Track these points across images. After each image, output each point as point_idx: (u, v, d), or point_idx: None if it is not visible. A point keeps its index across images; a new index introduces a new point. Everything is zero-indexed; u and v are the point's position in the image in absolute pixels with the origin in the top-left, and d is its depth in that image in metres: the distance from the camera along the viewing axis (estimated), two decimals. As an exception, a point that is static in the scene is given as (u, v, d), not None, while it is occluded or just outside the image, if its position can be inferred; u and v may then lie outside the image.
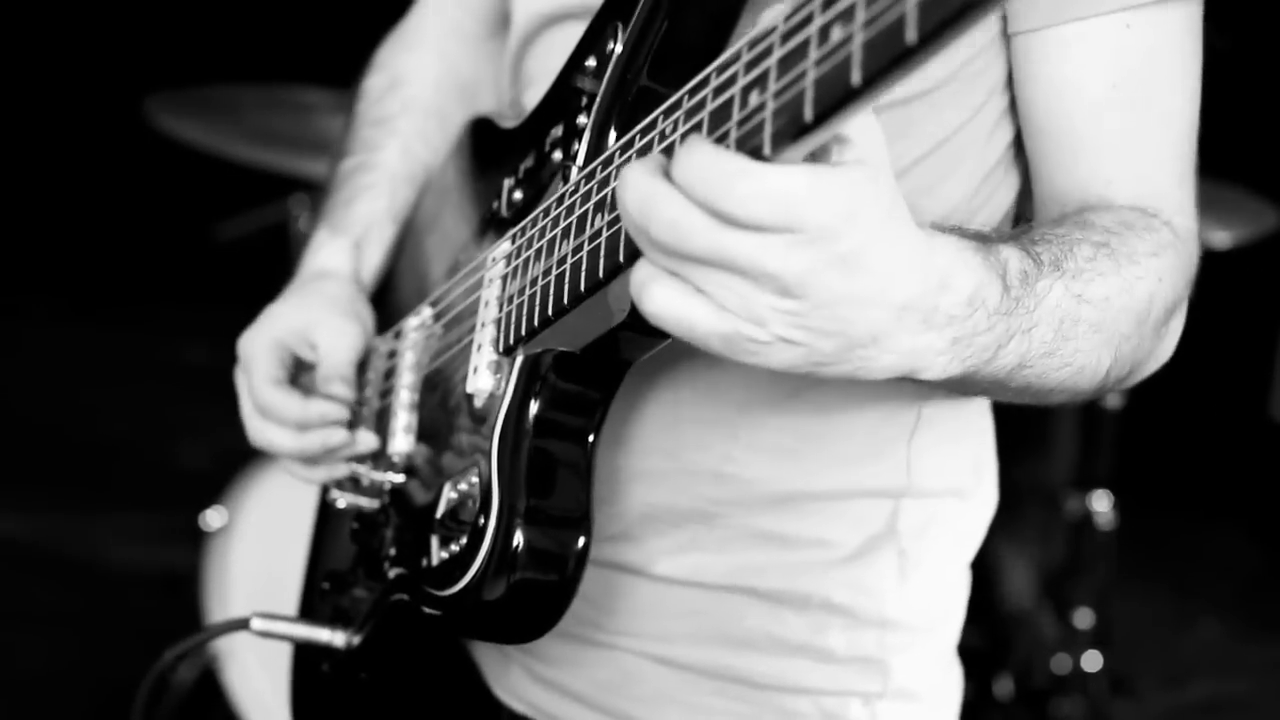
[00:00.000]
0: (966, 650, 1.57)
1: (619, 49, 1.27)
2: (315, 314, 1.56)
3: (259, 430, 1.55)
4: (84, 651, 3.69)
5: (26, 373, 5.16)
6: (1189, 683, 3.98)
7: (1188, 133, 1.31)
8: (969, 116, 1.35)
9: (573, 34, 1.37)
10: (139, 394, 5.07)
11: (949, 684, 1.54)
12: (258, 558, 3.04)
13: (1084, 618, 3.49)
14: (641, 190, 0.96)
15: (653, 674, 1.46)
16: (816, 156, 0.95)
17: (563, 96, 1.35)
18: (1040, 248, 1.13)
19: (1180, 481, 4.73)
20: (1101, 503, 3.50)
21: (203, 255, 4.76)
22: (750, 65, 0.95)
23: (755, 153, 0.93)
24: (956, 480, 1.49)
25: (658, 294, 0.97)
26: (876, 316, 0.98)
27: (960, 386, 1.13)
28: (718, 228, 0.93)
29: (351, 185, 1.68)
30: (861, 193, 0.94)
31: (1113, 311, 1.16)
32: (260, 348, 1.54)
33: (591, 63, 1.30)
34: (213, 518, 3.17)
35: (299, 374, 1.58)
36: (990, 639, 3.51)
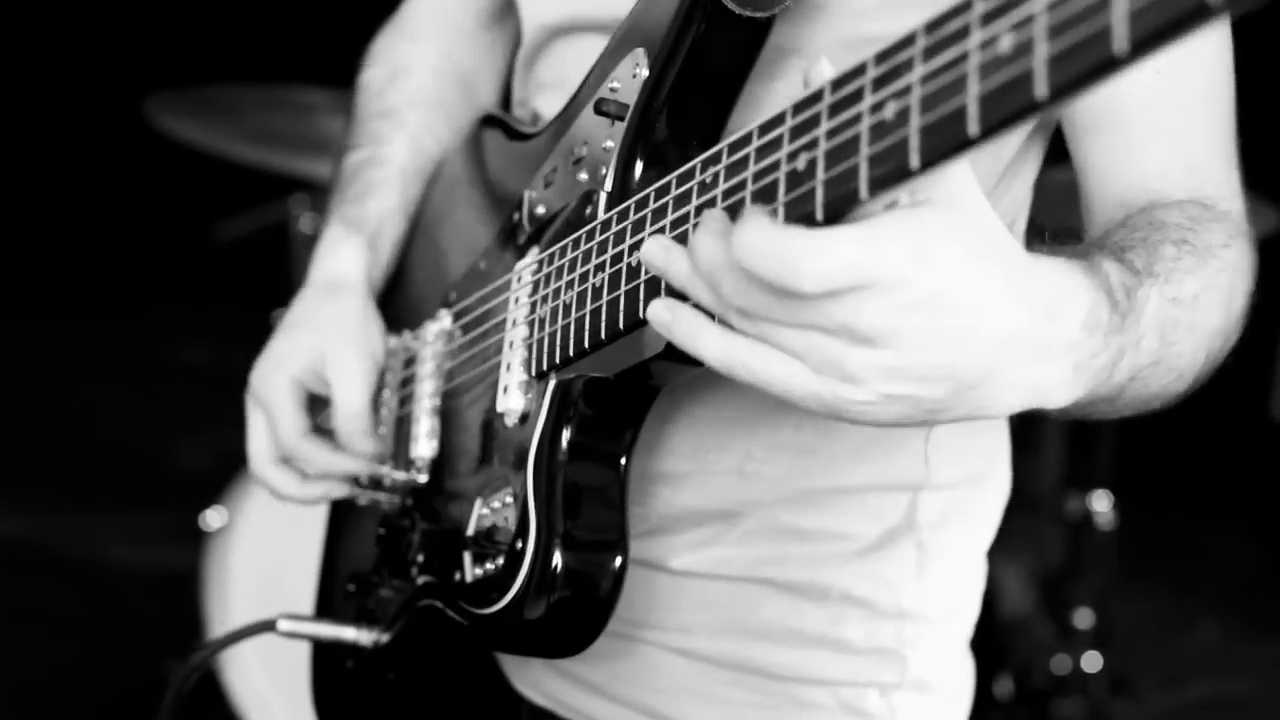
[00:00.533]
0: (966, 650, 1.57)
1: (645, 73, 1.26)
2: (326, 345, 1.53)
3: (268, 474, 1.55)
4: (84, 651, 3.69)
5: (26, 373, 5.16)
6: (1189, 683, 3.98)
7: (1229, 116, 1.30)
8: None
9: (586, 44, 1.37)
10: (139, 394, 5.07)
11: (962, 675, 1.55)
12: (258, 558, 3.04)
13: (1084, 618, 3.49)
14: (712, 258, 0.96)
15: (672, 666, 1.47)
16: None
17: (584, 115, 1.33)
18: (1131, 255, 1.11)
19: (1180, 481, 4.72)
20: (1101, 503, 3.50)
21: (203, 255, 4.76)
22: (797, 131, 0.93)
23: (808, 218, 0.92)
24: (973, 470, 1.49)
25: (747, 359, 0.98)
26: (981, 354, 0.95)
27: (1075, 409, 1.10)
28: (790, 297, 0.93)
29: (362, 180, 1.66)
30: (931, 233, 0.92)
31: (1203, 309, 1.15)
32: (281, 393, 1.53)
33: (616, 85, 1.29)
34: (213, 518, 3.17)
35: (312, 404, 1.57)
36: (990, 640, 3.50)
